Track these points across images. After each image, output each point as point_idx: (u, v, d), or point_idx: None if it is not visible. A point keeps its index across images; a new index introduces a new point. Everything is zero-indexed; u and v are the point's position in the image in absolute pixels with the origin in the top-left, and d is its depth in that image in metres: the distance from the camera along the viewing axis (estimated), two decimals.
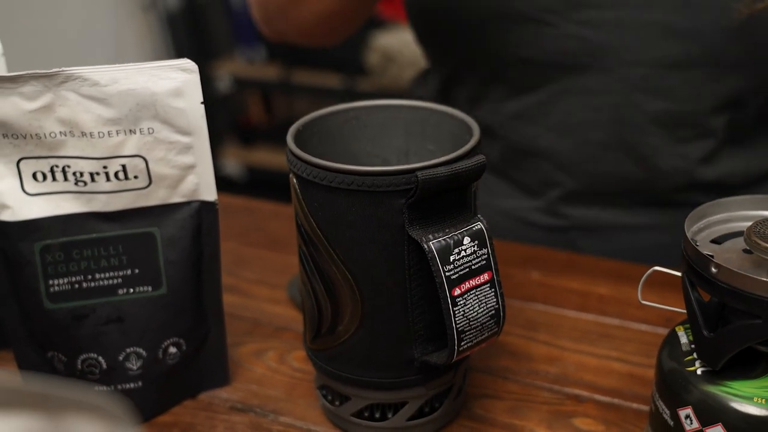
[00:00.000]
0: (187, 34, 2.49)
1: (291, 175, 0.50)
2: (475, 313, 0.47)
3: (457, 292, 0.46)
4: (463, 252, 0.46)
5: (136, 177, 0.52)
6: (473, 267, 0.47)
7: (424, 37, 0.79)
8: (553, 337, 0.64)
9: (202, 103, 0.51)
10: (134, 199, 0.53)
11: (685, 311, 0.50)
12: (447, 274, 0.46)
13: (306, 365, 0.62)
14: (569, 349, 0.63)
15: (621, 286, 0.70)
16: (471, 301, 0.47)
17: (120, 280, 0.54)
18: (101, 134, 0.51)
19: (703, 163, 0.73)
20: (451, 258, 0.46)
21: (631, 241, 0.77)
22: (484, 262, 0.47)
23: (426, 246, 0.45)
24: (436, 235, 0.46)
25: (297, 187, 0.49)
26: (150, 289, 0.55)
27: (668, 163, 0.73)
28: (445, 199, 0.47)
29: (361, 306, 0.49)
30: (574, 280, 0.71)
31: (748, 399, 0.45)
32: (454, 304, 0.46)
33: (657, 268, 0.50)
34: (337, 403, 0.55)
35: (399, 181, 0.45)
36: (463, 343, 0.47)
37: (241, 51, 2.60)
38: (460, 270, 0.46)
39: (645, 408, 0.56)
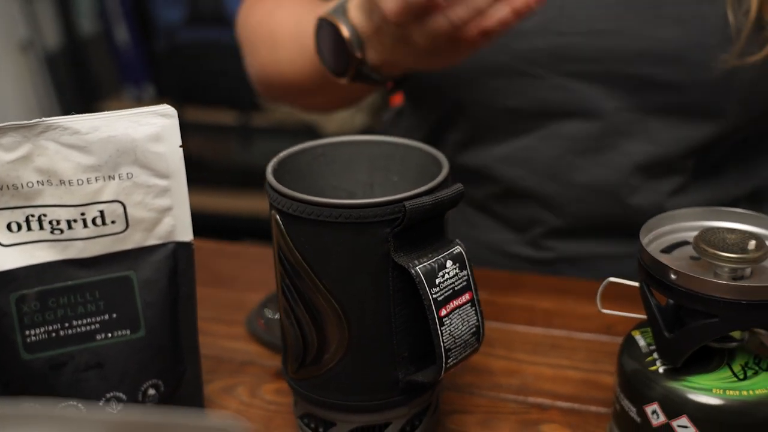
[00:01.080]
0: (69, 75, 2.42)
1: (273, 212, 0.52)
2: (460, 332, 0.50)
3: (443, 312, 0.49)
4: (446, 274, 0.49)
5: (113, 222, 0.53)
6: (456, 288, 0.50)
7: (411, 89, 0.80)
8: (508, 352, 0.68)
9: (180, 146, 0.53)
10: (111, 244, 0.53)
11: (637, 316, 0.55)
12: (434, 296, 0.49)
13: (279, 397, 0.63)
14: (525, 362, 0.67)
15: (563, 300, 0.75)
16: (455, 320, 0.50)
17: (98, 325, 0.54)
18: (80, 181, 0.51)
19: (672, 195, 0.79)
20: (437, 281, 0.49)
21: (614, 268, 0.79)
22: (465, 283, 0.50)
23: (413, 271, 0.48)
24: (421, 260, 0.49)
25: (281, 222, 0.51)
26: (128, 332, 0.55)
27: (643, 198, 0.78)
28: (426, 226, 0.50)
29: (348, 333, 0.51)
30: (518, 297, 0.75)
31: (708, 391, 0.50)
32: (442, 324, 0.49)
33: (612, 279, 0.55)
34: (321, 430, 0.56)
35: (385, 212, 0.48)
36: (449, 360, 0.50)
37: (129, 90, 2.55)
38: (446, 291, 0.49)
39: (603, 410, 0.61)
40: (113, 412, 0.23)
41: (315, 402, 0.55)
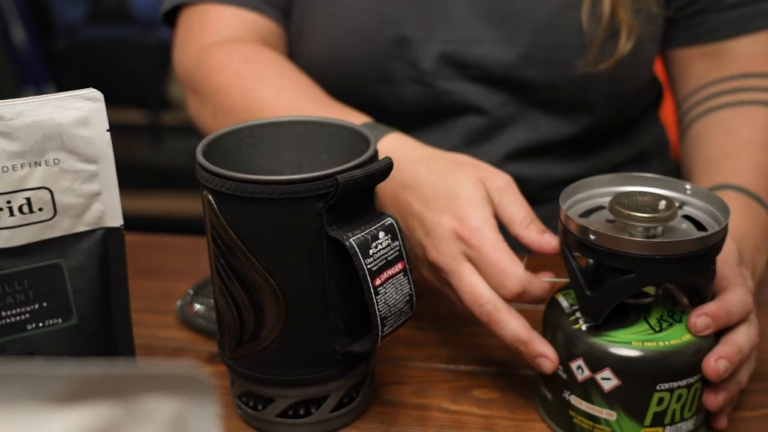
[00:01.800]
0: None
1: (205, 192, 0.52)
2: (394, 300, 0.52)
3: (378, 282, 0.51)
4: (379, 245, 0.51)
5: (40, 209, 0.52)
6: (389, 258, 0.52)
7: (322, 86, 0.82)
8: (438, 324, 0.71)
9: (108, 130, 0.52)
10: (39, 232, 0.53)
11: (557, 280, 0.58)
12: (368, 266, 0.50)
13: (215, 381, 0.64)
14: (455, 333, 0.69)
15: None
16: (390, 289, 0.52)
17: (28, 315, 0.53)
18: (5, 169, 0.50)
19: (558, 165, 0.85)
20: (371, 251, 0.50)
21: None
22: (398, 253, 0.52)
23: (347, 243, 0.50)
24: (354, 232, 0.50)
25: (213, 201, 0.52)
26: (60, 320, 0.54)
27: (532, 169, 0.84)
28: (356, 199, 0.52)
29: (285, 308, 0.52)
30: None
31: (627, 344, 0.53)
32: (377, 293, 0.51)
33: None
34: (260, 407, 0.57)
35: (317, 186, 0.49)
36: (385, 329, 0.52)
37: (29, 92, 2.48)
38: (379, 262, 0.51)
39: (531, 372, 0.63)
40: (76, 367, 0.24)
41: (253, 379, 0.56)
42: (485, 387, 0.63)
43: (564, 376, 0.55)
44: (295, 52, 0.83)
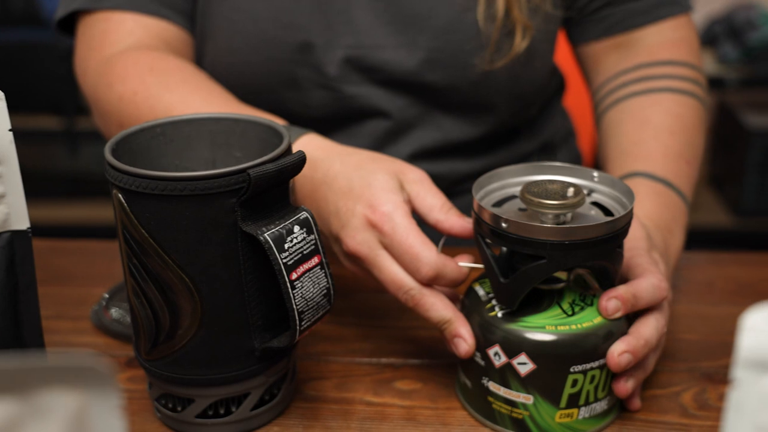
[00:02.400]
0: None
1: (114, 191, 0.51)
2: (311, 294, 0.52)
3: (294, 276, 0.51)
4: (294, 239, 0.51)
5: None
6: (305, 252, 0.52)
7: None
8: (360, 319, 0.71)
9: (10, 130, 0.51)
10: None
11: (471, 266, 0.59)
12: (284, 260, 0.50)
13: (133, 385, 0.62)
14: (377, 326, 0.70)
15: None
16: (306, 283, 0.52)
17: None
18: None
19: (467, 161, 0.86)
20: (286, 246, 0.50)
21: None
22: (313, 246, 0.52)
23: (262, 238, 0.50)
24: (269, 227, 0.50)
25: (123, 200, 0.51)
26: None
27: (442, 167, 0.85)
28: (271, 194, 0.51)
29: (201, 306, 0.52)
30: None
31: (542, 328, 0.54)
32: (293, 288, 0.51)
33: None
34: (179, 408, 0.56)
35: (230, 182, 0.49)
36: (303, 323, 0.52)
37: None
38: (295, 256, 0.51)
39: (452, 361, 0.64)
40: None
41: (171, 380, 0.55)
42: (407, 378, 0.63)
43: (482, 363, 0.56)
44: (200, 58, 0.82)
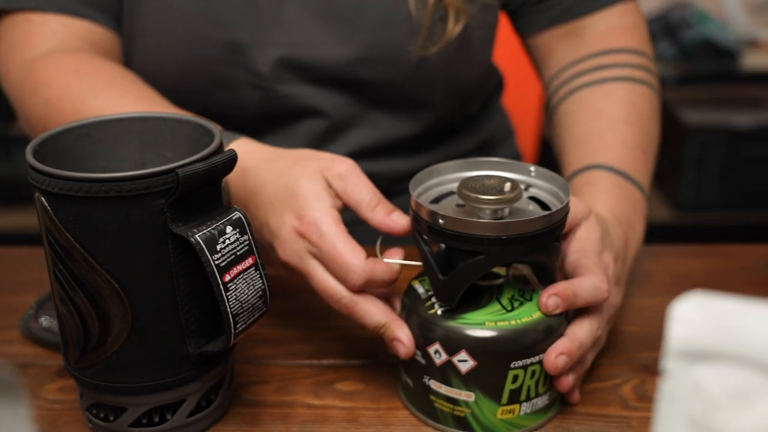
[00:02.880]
0: None
1: (37, 194, 0.49)
2: (246, 296, 0.51)
3: (227, 278, 0.49)
4: (227, 240, 0.50)
5: None
6: (238, 253, 0.50)
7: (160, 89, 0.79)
8: (300, 320, 0.70)
9: None
10: None
11: (415, 263, 0.58)
12: (216, 262, 0.49)
13: (63, 395, 0.60)
14: (319, 328, 0.69)
15: None
16: (241, 285, 0.50)
17: None
18: None
19: (406, 159, 0.86)
20: (218, 247, 0.49)
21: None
22: (247, 247, 0.51)
23: (193, 239, 0.48)
24: (200, 228, 0.49)
25: (47, 204, 0.49)
26: None
27: (383, 167, 0.84)
28: (201, 194, 0.50)
29: (131, 312, 0.50)
30: None
31: (481, 324, 0.54)
32: (227, 290, 0.49)
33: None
34: (111, 418, 0.54)
35: (158, 182, 0.48)
36: (238, 326, 0.51)
37: None
38: (228, 257, 0.49)
39: (395, 360, 0.63)
40: None
41: (102, 389, 0.53)
42: (349, 379, 0.62)
43: (422, 361, 0.56)
44: (129, 58, 0.80)
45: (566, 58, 0.82)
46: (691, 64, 2.22)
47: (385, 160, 0.84)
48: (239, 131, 0.67)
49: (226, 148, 0.63)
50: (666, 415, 0.27)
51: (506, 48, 1.00)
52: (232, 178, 0.62)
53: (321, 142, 0.82)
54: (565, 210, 0.54)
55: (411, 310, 0.57)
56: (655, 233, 2.30)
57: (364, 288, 0.56)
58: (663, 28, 2.34)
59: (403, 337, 0.56)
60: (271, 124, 0.81)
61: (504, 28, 0.89)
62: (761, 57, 2.26)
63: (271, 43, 0.76)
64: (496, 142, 0.96)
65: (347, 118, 0.81)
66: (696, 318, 0.27)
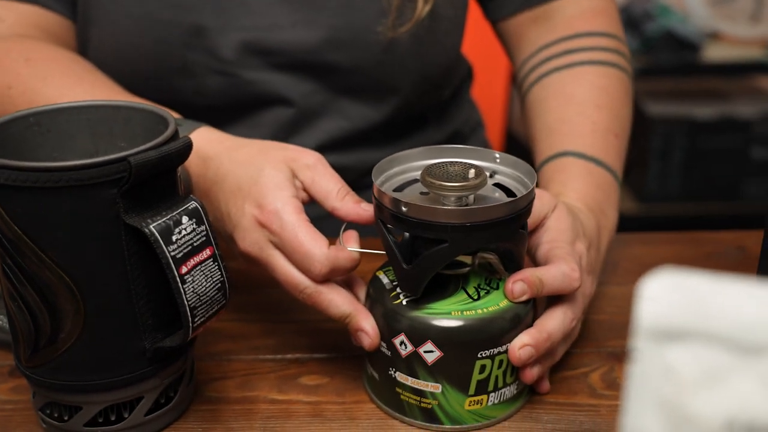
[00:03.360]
0: None
1: None
2: (204, 288, 0.49)
3: (184, 270, 0.48)
4: (183, 231, 0.48)
5: None
6: (195, 244, 0.48)
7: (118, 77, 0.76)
8: (264, 315, 0.68)
9: None
10: None
11: (380, 252, 0.57)
12: (172, 253, 0.47)
13: (16, 395, 0.58)
14: (282, 321, 0.67)
15: None
16: (198, 277, 0.49)
17: None
18: None
19: (374, 151, 0.83)
20: (174, 238, 0.47)
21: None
22: (204, 238, 0.49)
23: (147, 230, 0.46)
24: (154, 218, 0.47)
25: None
26: None
27: (354, 159, 0.82)
28: (156, 184, 0.48)
29: (84, 307, 0.48)
30: None
31: (447, 314, 0.53)
32: (183, 282, 0.48)
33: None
34: (66, 417, 0.52)
35: (109, 171, 0.46)
36: (196, 320, 0.49)
37: None
38: (184, 248, 0.48)
39: (361, 353, 0.62)
40: None
41: (55, 388, 0.51)
42: (314, 373, 0.61)
43: (388, 353, 0.54)
44: (84, 44, 0.77)
45: (536, 43, 0.81)
46: (653, 56, 2.23)
47: (354, 151, 0.83)
48: (202, 121, 0.65)
49: (188, 136, 0.61)
50: (636, 400, 0.26)
51: (474, 39, 0.99)
52: (193, 167, 0.60)
53: (288, 132, 0.80)
54: (530, 196, 0.53)
55: (376, 300, 0.55)
56: (622, 225, 2.32)
57: (328, 277, 0.54)
58: (625, 21, 2.35)
59: (368, 327, 0.54)
60: (236, 113, 0.79)
61: (474, 20, 0.88)
62: (722, 49, 2.28)
63: (235, 26, 0.74)
64: (466, 134, 0.94)
65: (315, 107, 0.79)
66: (666, 296, 0.26)
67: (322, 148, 0.80)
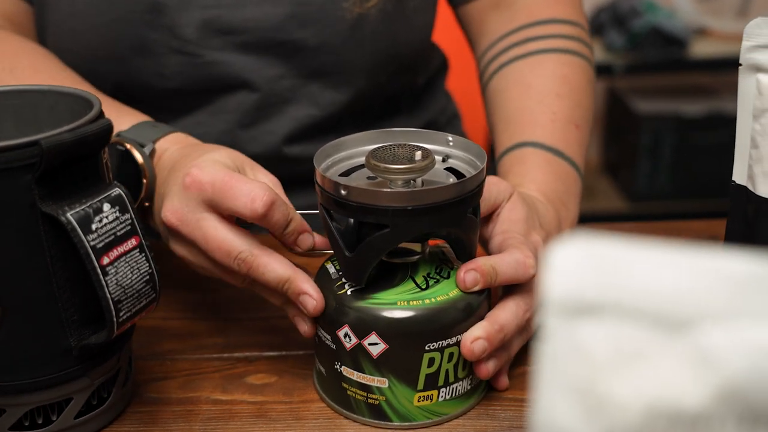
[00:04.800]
0: None
1: None
2: (129, 281, 0.46)
3: (105, 260, 0.45)
4: (105, 219, 0.45)
5: None
6: (118, 233, 0.46)
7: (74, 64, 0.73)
8: (213, 312, 0.65)
9: None
10: None
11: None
12: (92, 243, 0.44)
13: None
14: (232, 319, 0.64)
15: None
16: (123, 268, 0.46)
17: None
18: None
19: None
20: (94, 226, 0.44)
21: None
22: (129, 227, 0.46)
23: (64, 218, 0.43)
24: (73, 206, 0.44)
25: None
26: None
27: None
28: (76, 169, 0.45)
29: (0, 302, 0.45)
30: None
31: (393, 304, 0.50)
32: (105, 274, 0.45)
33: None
34: None
35: (22, 155, 0.43)
36: (121, 314, 0.46)
37: None
38: (106, 238, 0.45)
39: (312, 351, 0.59)
40: None
41: None
42: (261, 372, 0.58)
43: (333, 346, 0.51)
44: (42, 28, 0.74)
45: (497, 31, 0.78)
46: (640, 53, 2.21)
47: (324, 141, 0.79)
48: (163, 105, 0.63)
49: (158, 143, 0.59)
50: (546, 384, 0.23)
51: (457, 31, 0.97)
52: (160, 176, 0.58)
53: (255, 118, 0.76)
54: (479, 178, 0.50)
55: (322, 291, 0.52)
56: (612, 224, 2.29)
57: (269, 212, 0.51)
58: (612, 18, 2.33)
59: (309, 289, 0.51)
60: (198, 97, 0.75)
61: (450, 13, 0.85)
62: (709, 45, 2.25)
63: (195, 3, 0.71)
64: (442, 124, 0.91)
65: (282, 92, 0.75)
66: (577, 266, 0.23)
67: (292, 137, 0.77)
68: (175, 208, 0.52)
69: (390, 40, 0.76)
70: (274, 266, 0.51)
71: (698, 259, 0.21)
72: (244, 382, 0.57)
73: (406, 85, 0.84)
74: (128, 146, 0.59)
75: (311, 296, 0.51)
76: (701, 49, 2.23)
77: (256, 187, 0.50)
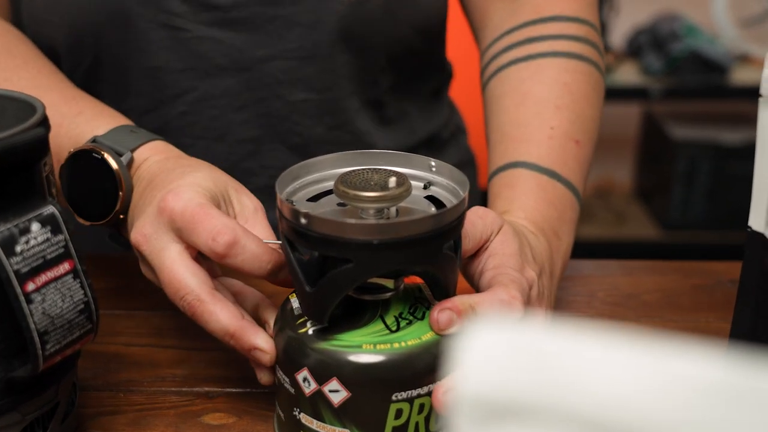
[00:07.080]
0: None
1: None
2: (59, 310, 0.41)
3: (30, 286, 0.40)
4: (33, 240, 0.40)
5: None
6: (48, 257, 0.41)
7: (45, 40, 0.70)
8: (180, 341, 0.60)
9: None
10: None
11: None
12: (15, 267, 0.39)
13: None
14: (198, 349, 0.59)
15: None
16: (51, 296, 0.41)
17: None
18: None
19: (353, 146, 0.74)
20: (18, 248, 0.40)
21: None
22: (62, 250, 0.42)
23: None
24: None
25: None
26: None
27: (322, 148, 0.72)
28: (6, 184, 0.41)
29: None
30: None
31: (357, 347, 0.44)
32: (29, 301, 0.40)
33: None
34: None
35: None
36: (48, 346, 0.41)
37: None
38: (33, 261, 0.40)
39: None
40: None
41: None
42: (220, 411, 0.53)
43: (292, 390, 0.46)
44: (19, 10, 0.70)
45: (501, 26, 0.71)
46: (678, 77, 2.13)
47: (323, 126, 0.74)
48: (142, 93, 0.58)
49: (139, 150, 0.55)
50: None
51: (461, 40, 0.91)
52: (137, 187, 0.54)
53: (246, 99, 0.71)
54: (458, 210, 0.44)
55: (282, 327, 0.47)
56: (643, 252, 2.21)
57: (231, 251, 0.47)
58: (651, 41, 2.26)
59: (260, 342, 0.46)
60: (181, 79, 0.70)
61: (462, 26, 0.80)
62: (751, 72, 2.17)
63: None
64: (445, 139, 0.85)
65: (277, 73, 0.70)
66: (497, 359, 0.17)
67: (294, 147, 0.72)
68: (144, 231, 0.49)
69: (394, 19, 0.70)
70: (219, 317, 0.47)
71: (650, 357, 0.16)
72: (199, 421, 0.52)
73: (411, 71, 0.77)
74: (105, 155, 0.54)
75: (263, 350, 0.47)
76: (743, 76, 2.15)
77: (220, 225, 0.47)
